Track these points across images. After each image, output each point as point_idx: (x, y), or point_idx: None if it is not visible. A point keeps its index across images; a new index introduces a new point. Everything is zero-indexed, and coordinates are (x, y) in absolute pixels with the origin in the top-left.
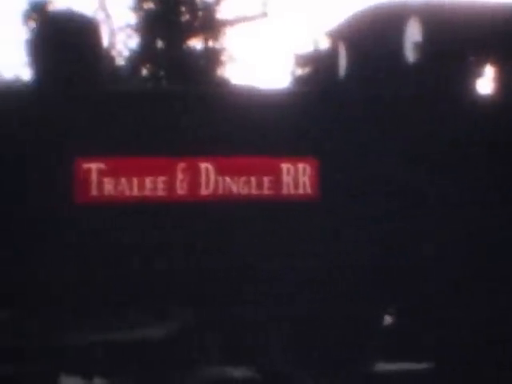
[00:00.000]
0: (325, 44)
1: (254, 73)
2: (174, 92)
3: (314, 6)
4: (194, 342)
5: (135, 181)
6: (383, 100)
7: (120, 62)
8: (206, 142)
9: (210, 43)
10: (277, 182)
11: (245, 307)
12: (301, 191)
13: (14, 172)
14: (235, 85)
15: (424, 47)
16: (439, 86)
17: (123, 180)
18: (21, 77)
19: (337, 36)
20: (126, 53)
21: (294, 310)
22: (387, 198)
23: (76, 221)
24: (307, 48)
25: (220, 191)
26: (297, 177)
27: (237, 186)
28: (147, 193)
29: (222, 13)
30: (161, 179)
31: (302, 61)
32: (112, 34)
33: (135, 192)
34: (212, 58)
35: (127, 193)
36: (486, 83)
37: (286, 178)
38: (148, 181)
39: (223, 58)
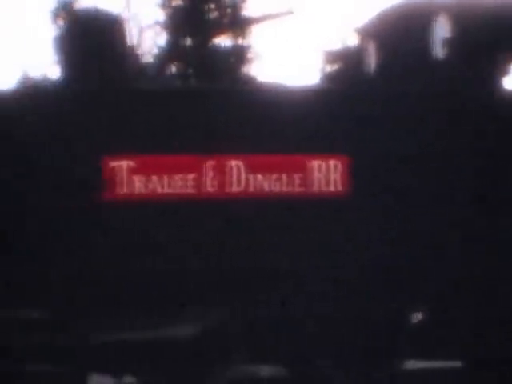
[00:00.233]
0: (353, 41)
1: (281, 70)
2: (203, 90)
3: (343, 2)
4: (222, 341)
5: (166, 178)
6: (413, 97)
7: (148, 59)
8: (236, 139)
9: (239, 41)
10: (308, 179)
11: (275, 306)
12: (332, 188)
13: (43, 170)
14: (265, 82)
15: (453, 44)
16: (468, 82)
17: (154, 178)
18: (48, 76)
19: (365, 33)
20: (155, 50)
21: (325, 309)
22: (419, 196)
23: (104, 219)
24: (336, 45)
25: (251, 189)
26: (328, 174)
27: (268, 183)
28: (178, 190)
29: (248, 10)
30: (190, 177)
31: (331, 58)
32: (140, 31)
33: (166, 190)
34: (239, 55)
35: (158, 190)
36: None
37: (317, 176)
38: (177, 178)
39: (250, 55)
